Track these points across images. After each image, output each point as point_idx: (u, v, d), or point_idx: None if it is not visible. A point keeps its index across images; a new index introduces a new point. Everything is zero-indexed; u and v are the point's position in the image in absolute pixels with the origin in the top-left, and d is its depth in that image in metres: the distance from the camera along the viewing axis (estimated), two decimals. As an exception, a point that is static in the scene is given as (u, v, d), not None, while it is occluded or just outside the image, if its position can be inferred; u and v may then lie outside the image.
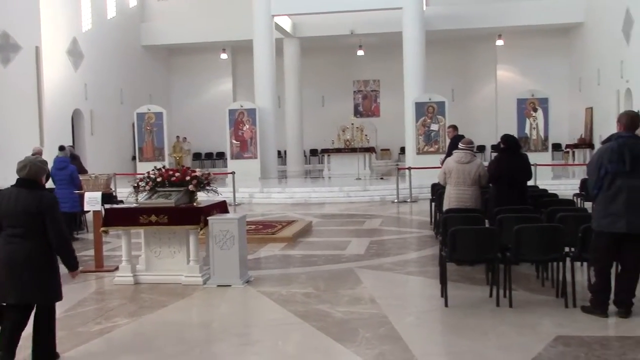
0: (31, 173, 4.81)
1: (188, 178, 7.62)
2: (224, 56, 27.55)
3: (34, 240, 4.72)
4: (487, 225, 7.48)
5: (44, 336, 4.88)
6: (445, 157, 11.41)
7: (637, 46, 18.91)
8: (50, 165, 9.50)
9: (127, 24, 25.13)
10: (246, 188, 17.03)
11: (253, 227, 11.15)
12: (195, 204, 7.65)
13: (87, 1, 22.06)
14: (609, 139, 5.79)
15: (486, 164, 8.79)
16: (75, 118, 21.55)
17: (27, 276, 4.68)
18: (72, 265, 4.94)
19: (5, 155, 16.38)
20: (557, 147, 23.73)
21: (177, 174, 7.65)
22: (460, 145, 8.27)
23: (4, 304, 4.76)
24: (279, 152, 23.47)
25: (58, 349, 5.06)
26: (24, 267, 4.68)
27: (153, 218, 7.35)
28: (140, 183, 7.76)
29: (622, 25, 19.72)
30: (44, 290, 4.78)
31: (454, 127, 12.42)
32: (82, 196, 9.04)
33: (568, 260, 6.23)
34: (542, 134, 19.53)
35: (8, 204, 4.73)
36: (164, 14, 26.59)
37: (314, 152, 27.74)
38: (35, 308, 4.86)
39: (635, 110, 18.77)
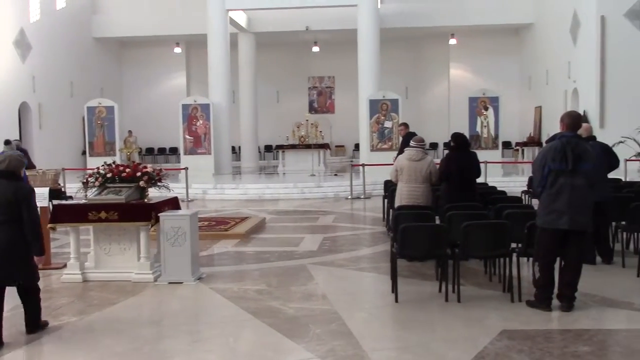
0: (10, 166, 5.35)
1: (139, 174, 7.52)
2: (177, 50, 27.22)
3: (14, 226, 5.25)
4: (437, 222, 7.62)
5: (33, 309, 5.52)
6: (398, 155, 11.56)
7: (583, 48, 19.49)
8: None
9: (78, 15, 24.57)
10: (199, 184, 16.89)
11: (206, 223, 11.08)
12: (146, 200, 7.56)
13: (35, -9, 21.49)
14: (553, 138, 5.98)
15: (438, 161, 8.93)
16: (23, 111, 21.00)
17: (10, 259, 5.22)
18: (40, 250, 5.41)
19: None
20: (507, 145, 24.27)
21: (127, 170, 7.54)
22: (412, 143, 8.38)
23: None
24: (233, 148, 23.35)
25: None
26: (6, 250, 5.20)
27: (103, 214, 7.23)
28: (89, 179, 7.62)
29: (570, 27, 20.28)
30: (25, 272, 5.36)
31: (406, 125, 12.57)
32: (29, 192, 8.80)
33: (514, 256, 6.40)
34: (492, 132, 19.94)
35: None
36: (115, 5, 26.07)
37: (268, 148, 27.68)
38: (19, 288, 5.45)
39: (581, 110, 19.25)
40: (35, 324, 5.56)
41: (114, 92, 26.28)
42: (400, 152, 11.66)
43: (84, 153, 22.96)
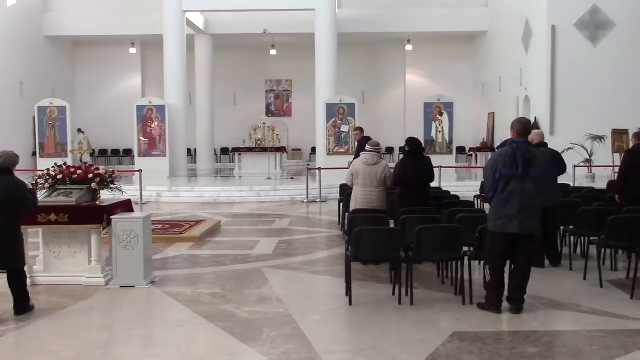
0: (5, 163, 5.98)
1: (91, 176, 7.39)
2: (132, 50, 26.81)
3: (5, 216, 5.85)
4: (392, 225, 7.70)
5: (20, 293, 6.10)
6: (354, 159, 11.61)
7: (535, 56, 20.00)
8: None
9: (29, 12, 23.96)
10: (154, 187, 16.65)
11: (160, 226, 10.94)
12: (98, 202, 7.43)
13: (-16, -13, 20.91)
14: (504, 144, 6.11)
15: (393, 165, 9.02)
16: (-30, 110, 20.38)
17: (1, 245, 5.87)
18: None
19: None
20: (461, 150, 24.67)
21: (79, 172, 7.40)
22: (367, 147, 8.45)
23: None
24: (189, 150, 23.12)
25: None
26: None
27: (52, 217, 7.07)
28: (39, 180, 7.45)
29: (522, 35, 20.78)
30: (13, 257, 6.00)
31: (361, 130, 12.64)
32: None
33: (466, 259, 6.51)
34: (447, 137, 20.25)
35: None
36: (69, 3, 25.50)
37: (225, 151, 27.51)
38: (8, 273, 6.09)
39: (532, 117, 19.65)
40: (22, 307, 6.08)
41: (67, 92, 25.69)
42: (356, 156, 11.73)
43: (34, 154, 22.38)
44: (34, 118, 21.49)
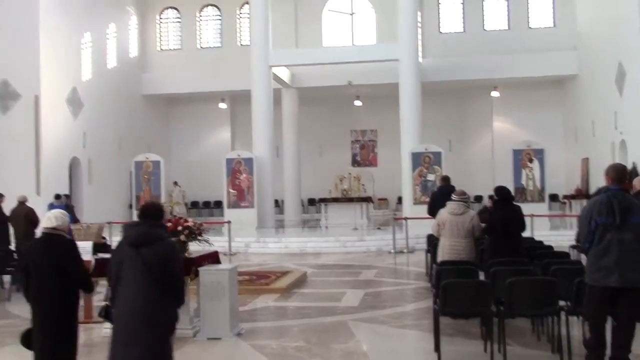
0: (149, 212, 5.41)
1: (180, 228, 7.58)
2: (222, 105, 27.81)
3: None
4: (482, 277, 7.41)
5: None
6: (429, 205, 11.39)
7: (630, 98, 19.14)
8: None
9: (128, 73, 25.47)
10: (242, 237, 16.95)
11: (247, 277, 11.05)
12: (186, 254, 7.59)
13: (88, 51, 22.41)
14: (599, 192, 5.78)
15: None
16: (73, 166, 21.63)
17: None
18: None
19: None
20: (554, 197, 23.72)
21: (168, 224, 7.60)
22: (454, 196, 8.24)
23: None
24: (276, 201, 23.46)
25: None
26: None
27: (144, 268, 7.25)
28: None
29: (615, 77, 19.99)
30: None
31: (442, 178, 12.41)
32: (74, 245, 8.93)
33: (563, 314, 6.14)
34: (538, 184, 19.57)
35: None
36: (164, 64, 26.99)
37: (311, 202, 27.70)
38: None
39: (629, 162, 18.63)
40: None
41: (162, 147, 26.88)
42: (430, 203, 11.47)
43: (130, 206, 23.41)
44: (130, 172, 22.57)
